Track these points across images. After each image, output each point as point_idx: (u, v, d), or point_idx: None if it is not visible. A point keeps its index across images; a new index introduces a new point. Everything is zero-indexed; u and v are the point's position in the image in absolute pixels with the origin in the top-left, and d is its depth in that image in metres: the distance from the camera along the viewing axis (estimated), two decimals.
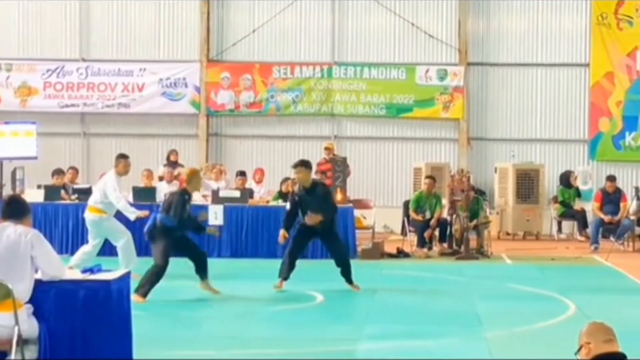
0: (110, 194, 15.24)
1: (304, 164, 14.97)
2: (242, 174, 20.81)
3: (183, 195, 13.89)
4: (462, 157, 24.55)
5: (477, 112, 24.87)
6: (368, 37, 25.01)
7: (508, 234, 23.38)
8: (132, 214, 15.61)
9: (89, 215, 15.75)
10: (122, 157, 15.66)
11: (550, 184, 24.14)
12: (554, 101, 24.75)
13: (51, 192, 19.24)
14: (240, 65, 25.03)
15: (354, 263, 17.88)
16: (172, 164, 22.43)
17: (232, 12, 25.20)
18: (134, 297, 13.46)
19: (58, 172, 20.13)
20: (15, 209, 8.02)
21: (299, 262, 16.23)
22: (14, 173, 19.90)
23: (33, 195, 18.09)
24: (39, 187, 19.73)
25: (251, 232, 18.77)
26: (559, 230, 23.51)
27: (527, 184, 23.36)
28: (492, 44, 24.83)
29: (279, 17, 24.88)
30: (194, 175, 14.27)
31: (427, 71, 24.57)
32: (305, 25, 25.09)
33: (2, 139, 20.13)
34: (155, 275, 13.65)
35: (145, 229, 14.25)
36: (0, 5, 25.32)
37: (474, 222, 19.64)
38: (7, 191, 19.24)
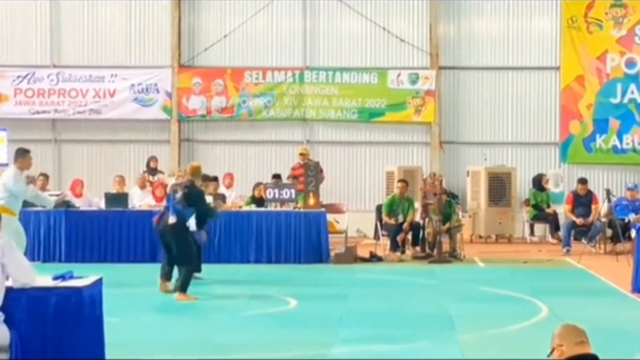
0: (13, 186, 14.26)
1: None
2: (214, 179, 20.73)
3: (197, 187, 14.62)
4: (435, 161, 24.61)
5: (449, 116, 24.94)
6: (340, 41, 25.04)
7: (480, 237, 23.45)
8: (49, 200, 15.35)
9: None
10: (23, 151, 14.70)
11: (522, 187, 24.24)
12: (526, 104, 24.86)
13: None
14: (211, 71, 25.00)
15: (328, 268, 17.99)
16: (152, 170, 22.35)
17: (204, 17, 25.17)
18: (185, 298, 13.66)
19: (30, 179, 19.97)
20: None
21: (271, 267, 16.30)
22: None
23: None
24: None
25: (224, 238, 18.72)
26: (531, 233, 23.60)
27: (499, 187, 23.44)
28: (464, 47, 24.91)
29: (251, 22, 24.88)
30: (198, 169, 15.02)
31: (398, 75, 24.62)
32: (277, 30, 25.09)
33: None
34: (192, 273, 14.35)
35: (160, 225, 14.55)
36: None
37: (447, 225, 19.69)
38: None
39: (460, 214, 21.18)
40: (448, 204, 20.13)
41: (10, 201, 14.32)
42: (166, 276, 14.69)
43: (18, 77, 24.89)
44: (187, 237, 14.47)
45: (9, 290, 7.79)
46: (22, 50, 25.20)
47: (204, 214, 14.72)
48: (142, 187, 20.78)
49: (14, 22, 25.21)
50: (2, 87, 24.86)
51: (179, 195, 14.51)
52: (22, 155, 14.57)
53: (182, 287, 14.17)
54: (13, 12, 25.19)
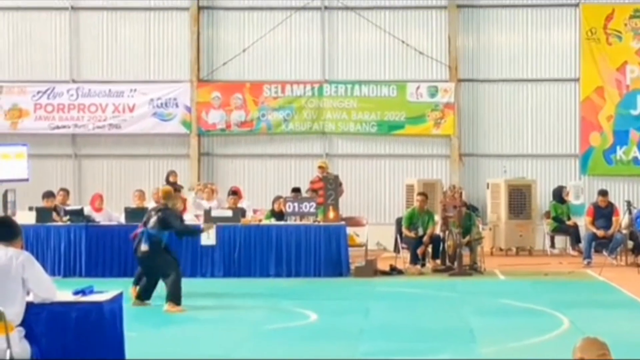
0: None
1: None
2: (233, 193, 20.76)
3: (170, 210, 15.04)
4: (454, 174, 24.55)
5: (468, 128, 24.89)
6: (358, 54, 25.04)
7: (501, 249, 23.37)
8: None
9: None
10: None
11: (542, 199, 24.15)
12: (545, 116, 24.79)
13: (43, 214, 19.19)
14: (230, 85, 25.04)
15: (348, 281, 17.96)
16: (172, 185, 22.31)
17: (222, 32, 25.23)
18: (174, 309, 13.82)
19: (49, 194, 20.08)
20: (6, 231, 7.95)
21: (291, 281, 16.28)
22: (5, 195, 19.85)
23: (25, 218, 18.06)
24: (30, 209, 19.67)
25: (244, 252, 18.71)
26: (552, 245, 23.50)
27: (519, 199, 23.36)
28: (482, 60, 24.88)
29: (269, 36, 24.91)
30: (169, 193, 15.52)
31: (417, 88, 24.60)
32: (296, 43, 25.12)
33: None
34: (179, 282, 14.54)
35: (136, 248, 14.90)
36: None
37: (467, 238, 19.62)
38: None
39: (480, 226, 21.09)
40: (468, 217, 20.06)
41: None
42: (144, 295, 15.05)
43: (38, 92, 24.99)
44: (162, 256, 14.82)
45: (29, 305, 7.80)
46: (41, 65, 25.30)
47: (183, 233, 15.51)
48: (157, 201, 20.75)
49: (34, 38, 25.33)
50: (22, 102, 24.97)
51: (153, 219, 14.86)
52: None
53: (173, 298, 14.43)
54: (33, 28, 25.32)
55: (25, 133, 24.47)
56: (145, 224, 15.00)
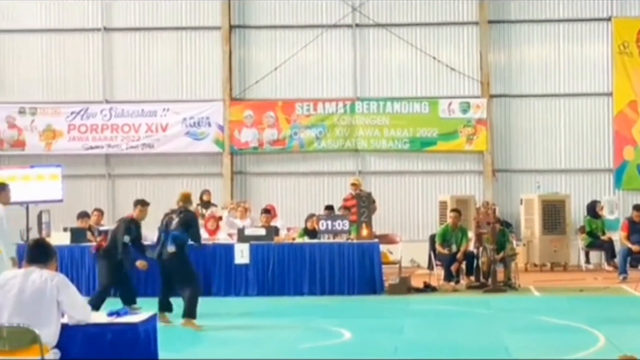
0: (5, 226, 13.63)
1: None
2: (266, 211, 20.78)
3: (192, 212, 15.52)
4: (487, 189, 24.47)
5: (501, 144, 24.81)
6: (390, 71, 25.05)
7: (535, 265, 23.25)
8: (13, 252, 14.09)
9: None
10: (4, 186, 14.30)
11: (576, 214, 24.01)
12: (578, 131, 24.69)
13: (77, 234, 19.28)
14: (263, 103, 25.10)
15: (382, 299, 17.92)
16: (205, 203, 22.39)
17: (254, 51, 25.32)
18: (190, 324, 13.89)
19: (83, 214, 20.18)
20: (40, 253, 8.02)
21: (325, 299, 16.24)
22: (39, 216, 19.94)
23: (59, 238, 18.17)
24: (65, 229, 19.76)
25: (278, 270, 18.72)
26: (587, 260, 23.35)
27: (553, 214, 23.25)
28: (514, 75, 24.82)
29: (301, 54, 24.98)
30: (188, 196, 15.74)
31: (449, 104, 24.56)
32: (327, 61, 25.17)
33: (27, 183, 20.21)
34: (197, 296, 14.60)
35: (163, 252, 14.87)
36: (24, 50, 25.55)
37: (501, 254, 19.52)
38: (33, 234, 19.27)
39: (514, 242, 21.01)
40: (502, 233, 19.97)
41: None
42: (165, 308, 14.93)
43: (72, 113, 25.16)
44: (188, 263, 14.95)
45: (64, 327, 7.84)
46: (75, 86, 25.49)
47: (196, 239, 15.38)
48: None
49: (67, 59, 25.51)
50: (56, 123, 25.15)
51: (175, 221, 14.95)
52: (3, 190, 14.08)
53: (189, 314, 14.49)
54: (66, 49, 25.51)
55: (59, 154, 24.62)
56: (166, 228, 15.05)
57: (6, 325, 7.50)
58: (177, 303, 14.85)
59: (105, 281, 15.98)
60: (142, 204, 16.20)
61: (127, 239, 15.84)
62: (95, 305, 14.33)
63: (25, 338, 7.46)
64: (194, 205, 21.83)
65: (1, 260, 13.43)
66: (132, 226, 15.95)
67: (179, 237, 14.85)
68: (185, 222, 14.95)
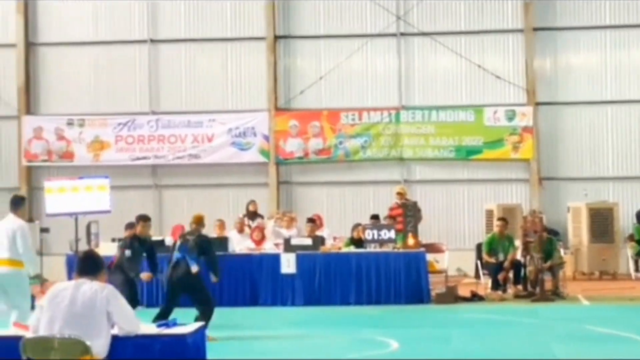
0: (29, 243, 13.41)
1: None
2: (312, 221, 20.79)
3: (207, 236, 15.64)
4: (534, 198, 24.34)
5: (547, 152, 24.67)
6: (435, 80, 25.02)
7: (584, 274, 23.09)
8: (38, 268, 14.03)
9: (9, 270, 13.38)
10: (23, 199, 14.11)
11: (625, 222, 23.80)
12: (626, 138, 24.49)
13: None
14: (308, 113, 25.15)
15: (428, 308, 17.87)
16: (252, 214, 22.45)
17: (299, 60, 25.39)
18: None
19: (131, 225, 20.26)
20: (90, 265, 8.08)
21: (371, 308, 16.17)
22: (88, 227, 20.13)
23: (107, 249, 18.26)
24: (113, 240, 19.89)
25: (324, 280, 18.72)
26: (637, 269, 23.12)
27: (601, 222, 23.08)
28: (561, 82, 24.68)
29: (346, 64, 25.01)
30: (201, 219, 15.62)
31: (495, 112, 24.47)
32: (372, 70, 25.18)
33: (76, 194, 20.38)
34: (212, 311, 14.59)
35: (174, 274, 14.87)
36: (72, 62, 25.80)
37: (548, 263, 19.40)
38: (82, 245, 19.44)
39: (561, 251, 20.86)
40: (549, 242, 19.84)
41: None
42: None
43: (119, 124, 25.36)
44: (203, 281, 14.96)
45: (114, 338, 7.89)
46: (122, 98, 25.69)
47: (213, 263, 15.36)
48: (240, 231, 20.89)
49: (114, 71, 25.73)
50: (103, 134, 25.36)
51: (190, 245, 14.98)
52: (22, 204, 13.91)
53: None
54: (113, 61, 25.73)
55: (106, 165, 24.85)
56: (181, 249, 15.07)
57: (58, 336, 7.56)
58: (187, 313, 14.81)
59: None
60: (143, 219, 16.30)
61: (128, 253, 15.92)
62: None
63: (77, 349, 7.51)
64: (240, 216, 21.99)
65: (24, 278, 13.40)
66: (134, 242, 16.00)
67: (197, 260, 14.90)
68: (200, 247, 15.00)
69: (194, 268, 14.78)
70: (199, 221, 15.50)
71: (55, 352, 7.54)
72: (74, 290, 7.83)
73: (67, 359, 7.55)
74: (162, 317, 14.44)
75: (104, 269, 8.18)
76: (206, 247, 15.12)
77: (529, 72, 24.56)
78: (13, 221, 13.39)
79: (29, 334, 7.81)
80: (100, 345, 7.71)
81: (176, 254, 15.09)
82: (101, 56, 25.81)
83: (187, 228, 16.28)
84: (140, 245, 16.01)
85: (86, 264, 8.08)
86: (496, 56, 24.89)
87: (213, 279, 15.35)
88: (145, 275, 15.86)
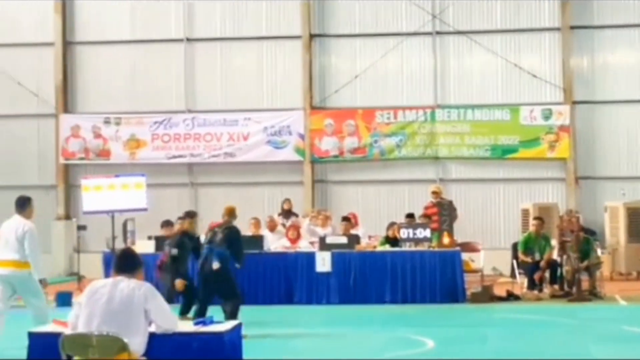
0: (36, 245, 13.27)
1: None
2: (346, 219, 20.78)
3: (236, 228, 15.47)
4: (570, 197, 24.21)
5: (584, 151, 24.53)
6: (470, 78, 24.94)
7: (621, 274, 22.94)
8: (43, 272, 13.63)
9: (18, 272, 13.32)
10: (29, 200, 13.71)
11: None
12: None
13: (161, 243, 19.43)
14: (343, 112, 25.15)
15: (464, 307, 17.82)
16: (286, 212, 22.48)
17: (334, 59, 25.40)
18: None
19: (167, 223, 20.35)
20: (128, 263, 8.11)
21: (407, 307, 16.14)
22: (125, 225, 20.25)
23: (144, 247, 18.38)
24: (149, 238, 19.98)
25: (359, 278, 18.70)
26: None
27: (639, 222, 22.91)
28: (598, 81, 24.53)
29: (381, 62, 24.98)
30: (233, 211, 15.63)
31: (531, 111, 24.36)
32: (407, 69, 25.14)
33: (113, 192, 20.55)
34: (239, 308, 14.63)
35: (204, 268, 14.92)
36: (109, 61, 25.95)
37: (585, 262, 19.28)
38: (118, 243, 19.57)
39: (598, 250, 20.73)
40: (586, 241, 19.72)
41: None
42: (186, 312, 15.26)
43: (155, 122, 25.48)
44: (231, 277, 14.97)
45: (152, 336, 7.93)
46: (158, 96, 25.81)
47: (240, 255, 15.30)
48: (272, 229, 20.90)
49: (151, 70, 25.86)
50: (140, 133, 25.49)
51: (218, 238, 15.01)
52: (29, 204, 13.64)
53: None
54: (149, 60, 25.86)
55: (142, 163, 24.97)
56: (210, 243, 15.15)
57: (96, 333, 7.61)
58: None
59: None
60: (190, 216, 16.32)
61: (175, 252, 15.97)
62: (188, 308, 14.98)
63: (114, 346, 7.56)
64: (275, 215, 22.01)
65: (33, 278, 13.35)
66: (184, 239, 16.06)
67: (223, 254, 14.92)
68: (229, 239, 15.03)
69: (215, 265, 14.78)
70: (230, 213, 15.53)
71: (94, 349, 7.58)
72: (111, 287, 7.88)
73: (105, 357, 7.59)
74: (200, 314, 14.56)
75: (141, 266, 8.20)
76: (232, 238, 15.12)
77: (566, 71, 24.43)
78: (21, 222, 13.30)
79: (67, 331, 7.86)
80: (137, 343, 7.74)
81: (205, 247, 15.16)
82: (138, 55, 25.94)
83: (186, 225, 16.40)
84: (189, 241, 16.05)
85: (124, 262, 8.12)
86: (533, 55, 24.78)
87: (237, 265, 15.38)
88: (179, 283, 15.82)
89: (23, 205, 13.51)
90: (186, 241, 16.11)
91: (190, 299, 15.75)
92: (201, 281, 15.29)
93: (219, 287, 14.84)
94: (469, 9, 24.86)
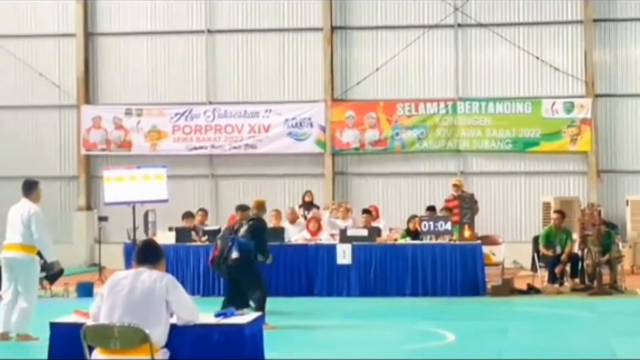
0: (43, 228, 13.30)
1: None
2: (367, 212, 20.77)
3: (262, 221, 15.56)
4: (592, 191, 24.12)
5: (606, 144, 24.43)
6: (492, 71, 24.86)
7: None
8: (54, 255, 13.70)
9: (21, 255, 13.36)
10: (36, 183, 13.75)
11: None
12: None
13: (182, 234, 19.54)
14: (364, 104, 25.12)
15: (484, 300, 17.79)
16: (307, 204, 22.48)
17: (356, 51, 25.36)
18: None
19: (188, 214, 20.44)
20: (150, 254, 8.12)
21: (427, 300, 16.11)
22: (146, 216, 20.29)
23: (165, 238, 18.42)
24: (170, 229, 20.03)
25: (380, 271, 18.69)
26: None
27: None
28: (620, 74, 24.41)
29: (402, 55, 24.93)
30: (262, 204, 15.74)
31: (553, 104, 24.27)
32: (429, 61, 25.08)
33: (134, 183, 20.60)
34: (264, 299, 14.59)
35: (228, 258, 14.91)
36: (130, 52, 26.02)
37: (606, 256, 19.21)
38: (139, 234, 19.62)
39: (620, 244, 20.65)
40: (607, 235, 19.66)
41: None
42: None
43: (176, 114, 25.52)
44: (253, 267, 14.94)
45: (173, 327, 7.94)
46: (179, 88, 25.84)
47: (262, 248, 15.22)
48: (292, 221, 20.90)
49: (172, 61, 25.89)
50: (161, 124, 25.54)
51: (244, 228, 15.04)
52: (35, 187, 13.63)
53: None
54: (171, 51, 25.89)
55: (163, 154, 25.02)
56: (235, 233, 15.20)
57: (117, 324, 7.63)
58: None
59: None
60: (242, 209, 16.30)
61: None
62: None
63: (136, 337, 7.58)
64: (296, 207, 22.02)
65: (34, 264, 13.42)
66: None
67: (245, 245, 14.92)
68: (253, 230, 15.04)
69: (234, 254, 14.84)
70: (259, 206, 15.56)
71: (115, 340, 7.61)
72: (133, 278, 7.90)
73: (127, 347, 7.62)
74: (230, 305, 14.57)
75: (163, 257, 8.21)
76: (256, 230, 15.12)
77: (588, 64, 24.32)
78: (27, 206, 13.32)
79: (89, 322, 7.89)
80: (159, 334, 7.76)
81: (229, 239, 15.19)
82: (159, 46, 25.97)
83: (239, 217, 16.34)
84: None
85: (146, 253, 8.12)
86: (555, 48, 24.67)
87: (260, 258, 15.35)
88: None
89: (29, 188, 13.52)
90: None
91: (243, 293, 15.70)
92: (225, 272, 15.31)
93: (240, 277, 14.85)
94: (491, 1, 24.77)
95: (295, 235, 19.95)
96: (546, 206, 23.04)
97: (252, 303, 14.58)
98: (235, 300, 14.84)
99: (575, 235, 20.11)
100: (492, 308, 17.05)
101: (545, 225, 21.28)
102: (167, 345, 7.88)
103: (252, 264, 15.01)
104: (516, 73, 24.78)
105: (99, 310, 7.87)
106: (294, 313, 16.23)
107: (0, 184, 24.32)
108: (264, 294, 14.77)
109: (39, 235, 13.18)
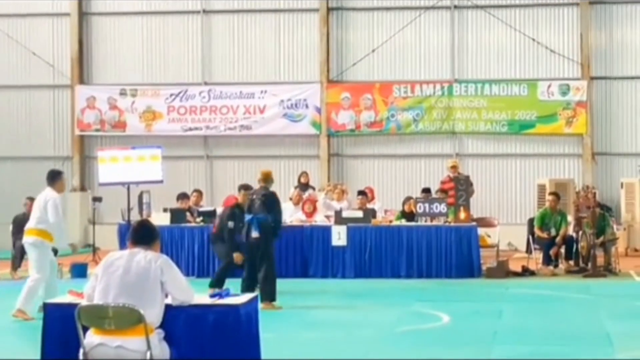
0: (56, 213, 13.67)
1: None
2: (362, 193, 20.77)
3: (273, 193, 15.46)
4: (587, 173, 24.14)
5: (601, 127, 24.43)
6: (488, 53, 24.83)
7: (636, 250, 22.90)
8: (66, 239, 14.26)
9: (33, 239, 13.76)
10: (59, 173, 14.31)
11: None
12: None
13: (177, 215, 19.52)
14: (360, 85, 25.09)
15: (479, 282, 17.81)
16: (303, 186, 22.43)
17: (352, 33, 25.30)
18: (268, 306, 13.96)
19: (183, 195, 20.41)
20: (145, 234, 8.10)
21: (422, 282, 16.08)
22: (140, 197, 20.26)
23: (159, 219, 18.41)
24: (164, 210, 20.03)
25: (375, 252, 18.70)
26: None
27: None
28: (616, 57, 24.39)
29: (398, 36, 24.89)
30: (269, 175, 15.64)
31: (549, 87, 24.25)
32: (425, 43, 25.04)
33: (129, 164, 20.57)
34: (274, 278, 14.73)
35: (248, 234, 14.97)
36: (125, 32, 25.93)
37: (601, 238, 19.24)
38: (134, 215, 19.59)
39: (614, 226, 20.69)
40: (602, 217, 19.68)
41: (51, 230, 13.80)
42: (248, 288, 14.91)
43: (171, 95, 25.47)
44: (271, 244, 15.01)
45: (168, 308, 7.93)
46: (174, 68, 25.79)
47: (274, 219, 15.10)
48: (296, 203, 20.80)
49: (167, 41, 25.82)
50: (156, 105, 25.48)
51: (257, 204, 14.99)
52: (60, 178, 14.11)
53: (267, 297, 14.38)
54: (166, 31, 25.81)
55: (159, 135, 24.98)
56: (249, 210, 15.13)
57: (112, 305, 7.61)
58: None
59: (225, 259, 16.08)
60: (245, 188, 16.26)
61: (231, 224, 15.93)
62: (219, 280, 15.30)
63: (131, 318, 7.56)
64: (293, 190, 21.97)
65: (45, 249, 13.70)
66: (236, 211, 16.02)
67: (264, 221, 14.87)
68: (268, 203, 14.97)
69: (254, 234, 14.81)
70: (266, 178, 15.46)
71: (110, 320, 7.59)
72: (128, 259, 7.87)
73: (121, 328, 7.60)
74: (250, 281, 14.58)
75: (158, 238, 8.19)
76: (271, 203, 15.06)
77: (584, 46, 24.30)
78: (47, 194, 13.79)
79: (83, 302, 7.87)
80: (154, 315, 7.74)
81: (247, 216, 15.13)
82: (154, 26, 25.89)
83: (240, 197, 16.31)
84: (242, 214, 15.93)
85: (141, 233, 8.10)
86: (551, 30, 24.63)
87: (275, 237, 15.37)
88: (238, 257, 15.70)
89: (53, 178, 13.98)
90: (239, 213, 15.97)
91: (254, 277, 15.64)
92: (247, 251, 15.26)
93: (258, 257, 14.82)
94: None
95: (291, 216, 19.91)
96: (541, 188, 23.06)
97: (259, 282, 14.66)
98: (255, 281, 14.84)
99: (570, 218, 20.14)
100: (486, 290, 17.07)
101: (540, 208, 21.30)
102: (162, 325, 7.86)
103: (271, 241, 15.01)
104: (512, 55, 24.76)
105: (93, 291, 7.84)
106: (289, 294, 16.19)
107: None
108: (273, 273, 14.80)
109: (54, 219, 13.60)
